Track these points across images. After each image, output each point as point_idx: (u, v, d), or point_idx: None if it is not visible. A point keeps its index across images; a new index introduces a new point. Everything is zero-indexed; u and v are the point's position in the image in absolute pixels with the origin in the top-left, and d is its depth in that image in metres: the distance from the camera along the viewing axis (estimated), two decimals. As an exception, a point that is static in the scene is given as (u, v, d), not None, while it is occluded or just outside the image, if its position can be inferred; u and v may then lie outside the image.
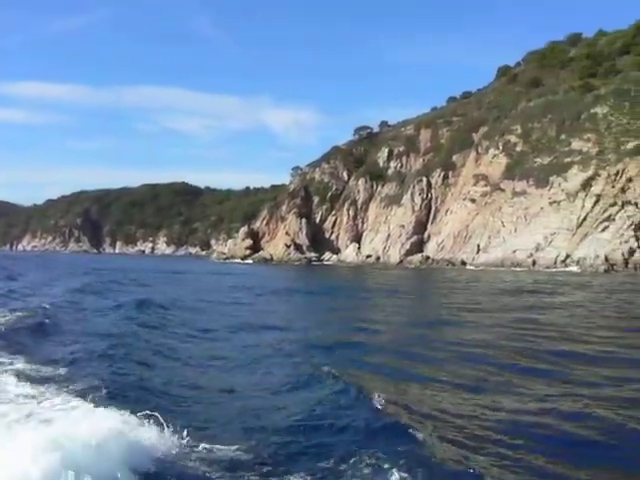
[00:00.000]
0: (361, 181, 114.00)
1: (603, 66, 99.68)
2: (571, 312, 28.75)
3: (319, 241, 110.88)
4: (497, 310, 30.00)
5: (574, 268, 73.62)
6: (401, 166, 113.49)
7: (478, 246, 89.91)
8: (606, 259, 72.58)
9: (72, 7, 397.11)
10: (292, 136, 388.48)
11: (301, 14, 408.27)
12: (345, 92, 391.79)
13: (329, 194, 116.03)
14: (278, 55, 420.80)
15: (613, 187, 79.17)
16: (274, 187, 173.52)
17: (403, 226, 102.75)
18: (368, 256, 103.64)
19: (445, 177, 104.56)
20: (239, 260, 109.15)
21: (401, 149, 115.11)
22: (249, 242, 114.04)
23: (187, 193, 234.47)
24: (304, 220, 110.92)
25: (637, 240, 74.35)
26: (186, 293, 38.34)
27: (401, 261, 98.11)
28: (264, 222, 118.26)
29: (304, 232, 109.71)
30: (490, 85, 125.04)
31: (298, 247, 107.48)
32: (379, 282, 59.28)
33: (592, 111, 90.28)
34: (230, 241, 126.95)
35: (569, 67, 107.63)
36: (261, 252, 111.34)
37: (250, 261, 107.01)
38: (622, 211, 77.14)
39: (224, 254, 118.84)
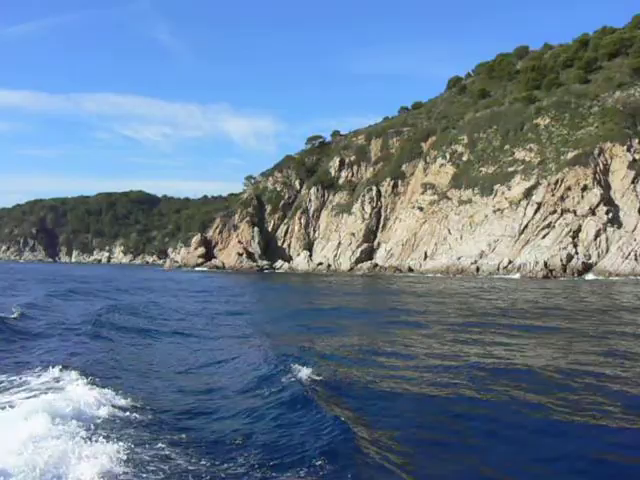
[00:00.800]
0: (313, 190, 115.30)
1: (547, 78, 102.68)
2: (448, 307, 32.61)
3: (271, 249, 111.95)
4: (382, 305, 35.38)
5: (515, 275, 75.81)
6: (352, 175, 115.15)
7: (425, 253, 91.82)
8: (545, 265, 74.96)
9: (29, 13, 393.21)
10: (251, 144, 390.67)
11: (261, 25, 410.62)
12: (304, 101, 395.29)
13: (281, 203, 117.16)
14: (237, 64, 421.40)
15: (553, 195, 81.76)
16: (232, 195, 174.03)
17: (353, 234, 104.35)
18: (319, 264, 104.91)
19: (395, 186, 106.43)
20: (191, 268, 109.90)
21: (352, 158, 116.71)
22: (202, 250, 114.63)
23: (144, 202, 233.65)
24: (256, 229, 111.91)
25: (575, 247, 76.92)
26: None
27: (352, 268, 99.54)
28: (217, 231, 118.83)
29: (256, 240, 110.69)
30: (441, 96, 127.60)
31: (250, 255, 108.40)
32: (299, 286, 61.73)
33: (534, 122, 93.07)
34: (183, 249, 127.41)
35: (516, 79, 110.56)
36: (213, 260, 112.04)
37: (205, 269, 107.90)
38: (561, 219, 79.75)
39: (177, 262, 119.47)
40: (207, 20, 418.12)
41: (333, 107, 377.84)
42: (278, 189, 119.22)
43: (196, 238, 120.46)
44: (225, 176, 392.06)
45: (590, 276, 71.62)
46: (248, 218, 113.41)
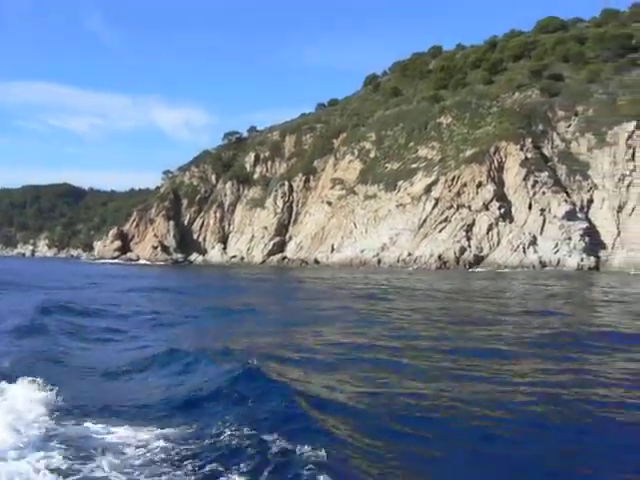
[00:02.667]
0: (228, 184, 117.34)
1: (453, 78, 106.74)
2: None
3: (187, 242, 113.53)
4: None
5: (412, 267, 79.43)
6: (266, 170, 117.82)
7: (332, 246, 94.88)
8: (439, 257, 78.85)
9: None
10: (183, 136, 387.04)
11: (192, 16, 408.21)
12: (237, 94, 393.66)
13: (198, 197, 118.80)
14: (170, 54, 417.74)
15: (450, 191, 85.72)
16: (159, 188, 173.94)
17: (266, 228, 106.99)
18: (233, 256, 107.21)
19: (306, 181, 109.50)
20: (107, 261, 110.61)
21: (267, 154, 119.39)
22: (118, 244, 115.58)
23: (70, 194, 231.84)
24: (172, 222, 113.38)
25: (468, 240, 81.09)
26: None
27: (264, 261, 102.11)
28: (134, 224, 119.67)
29: (172, 234, 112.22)
30: (357, 93, 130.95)
31: (165, 248, 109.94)
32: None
33: (438, 121, 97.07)
34: (100, 242, 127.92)
35: (427, 78, 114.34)
36: (129, 253, 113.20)
37: (120, 261, 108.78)
38: (457, 213, 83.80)
39: (94, 256, 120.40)
40: (138, 9, 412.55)
41: (267, 100, 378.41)
42: (195, 183, 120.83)
43: (113, 231, 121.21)
44: (156, 168, 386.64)
45: (479, 268, 75.76)
46: (164, 212, 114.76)
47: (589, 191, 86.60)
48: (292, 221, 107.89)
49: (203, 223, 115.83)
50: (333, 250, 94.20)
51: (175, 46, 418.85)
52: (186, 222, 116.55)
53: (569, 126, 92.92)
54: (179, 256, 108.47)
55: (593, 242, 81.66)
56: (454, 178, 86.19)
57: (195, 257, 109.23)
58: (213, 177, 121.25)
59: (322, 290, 40.04)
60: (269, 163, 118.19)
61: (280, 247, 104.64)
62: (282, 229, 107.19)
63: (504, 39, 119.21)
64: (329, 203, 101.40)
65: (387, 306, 28.22)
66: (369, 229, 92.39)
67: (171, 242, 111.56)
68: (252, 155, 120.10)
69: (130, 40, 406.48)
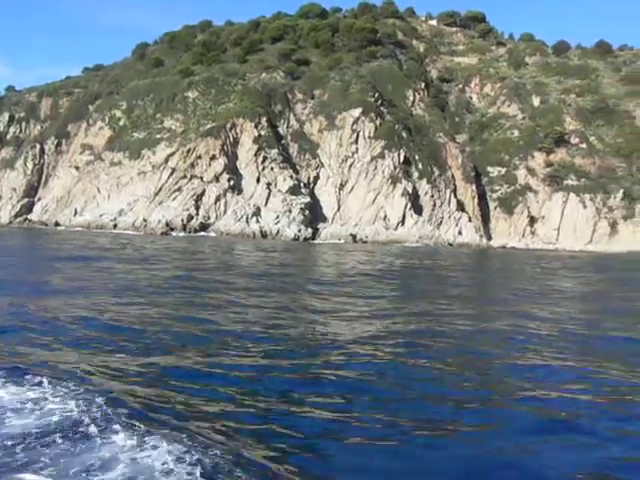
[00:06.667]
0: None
1: (209, 54, 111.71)
2: None
3: None
4: None
5: (141, 232, 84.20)
6: (20, 131, 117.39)
7: (75, 210, 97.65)
8: (167, 224, 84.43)
9: None
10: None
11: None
12: (31, 47, 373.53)
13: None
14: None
15: (185, 162, 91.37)
16: None
17: (15, 189, 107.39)
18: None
19: (58, 145, 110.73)
20: None
21: (22, 115, 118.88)
22: None
23: None
24: None
25: (197, 209, 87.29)
26: None
27: (10, 222, 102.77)
28: None
29: None
30: (124, 60, 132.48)
31: None
32: None
33: (185, 94, 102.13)
34: None
35: (192, 51, 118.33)
36: None
37: None
38: (189, 183, 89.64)
39: None
40: None
41: (61, 56, 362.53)
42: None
43: None
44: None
45: (202, 233, 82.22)
46: None
47: (316, 169, 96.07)
48: (42, 184, 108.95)
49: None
50: (76, 214, 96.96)
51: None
52: None
53: (305, 108, 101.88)
54: None
55: (315, 215, 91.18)
56: (189, 150, 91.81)
57: None
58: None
59: None
60: (24, 124, 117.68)
61: (28, 209, 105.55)
62: (31, 191, 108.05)
63: (268, 20, 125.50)
64: (77, 168, 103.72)
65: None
66: (111, 195, 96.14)
67: None
68: (6, 115, 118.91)
69: None
